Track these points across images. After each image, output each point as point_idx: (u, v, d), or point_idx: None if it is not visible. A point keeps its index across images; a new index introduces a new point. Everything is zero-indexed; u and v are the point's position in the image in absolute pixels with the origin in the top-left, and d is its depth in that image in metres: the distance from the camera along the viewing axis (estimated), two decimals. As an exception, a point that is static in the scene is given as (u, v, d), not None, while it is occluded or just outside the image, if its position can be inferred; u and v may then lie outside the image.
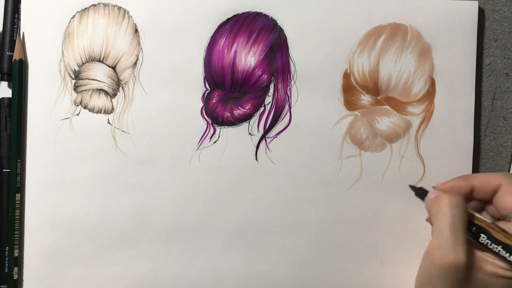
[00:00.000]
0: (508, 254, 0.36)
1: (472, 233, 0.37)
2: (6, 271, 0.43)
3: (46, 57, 0.43)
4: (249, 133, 0.44)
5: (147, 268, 0.44)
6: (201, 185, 0.44)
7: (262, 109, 0.44)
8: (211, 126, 0.44)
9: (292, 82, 0.44)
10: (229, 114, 0.44)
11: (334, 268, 0.44)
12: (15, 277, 0.43)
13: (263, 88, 0.44)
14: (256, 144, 0.44)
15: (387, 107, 0.44)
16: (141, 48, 0.43)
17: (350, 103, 0.44)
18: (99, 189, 0.44)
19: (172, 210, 0.44)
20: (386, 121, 0.44)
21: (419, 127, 0.44)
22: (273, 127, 0.44)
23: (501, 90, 0.46)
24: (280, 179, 0.44)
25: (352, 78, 0.44)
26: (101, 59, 0.43)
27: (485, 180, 0.39)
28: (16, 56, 0.42)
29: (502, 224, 0.38)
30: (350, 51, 0.44)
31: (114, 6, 0.43)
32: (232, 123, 0.44)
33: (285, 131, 0.44)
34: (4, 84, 0.44)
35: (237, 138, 0.44)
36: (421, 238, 0.44)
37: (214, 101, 0.44)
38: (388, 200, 0.44)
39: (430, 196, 0.40)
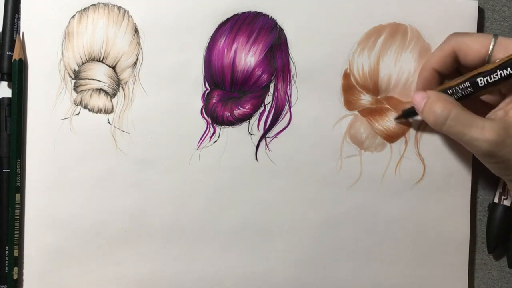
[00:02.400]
0: (508, 69, 0.36)
1: (471, 87, 0.38)
2: (6, 271, 0.43)
3: (46, 57, 0.43)
4: (249, 133, 0.44)
5: (147, 268, 0.44)
6: (201, 185, 0.44)
7: (262, 108, 0.44)
8: (211, 126, 0.44)
9: (292, 82, 0.44)
10: (229, 114, 0.44)
11: (334, 268, 0.44)
12: (15, 277, 0.43)
13: (263, 88, 0.44)
14: (256, 144, 0.44)
15: (387, 106, 0.44)
16: (141, 48, 0.43)
17: (350, 103, 0.44)
18: (99, 189, 0.44)
19: (172, 210, 0.44)
20: (386, 121, 0.44)
21: (419, 126, 0.44)
22: (273, 127, 0.44)
23: (501, 90, 0.46)
24: (280, 179, 0.44)
25: (352, 78, 0.44)
26: (101, 59, 0.43)
27: (439, 57, 0.41)
28: (16, 56, 0.42)
29: None
30: (350, 50, 0.44)
31: (114, 6, 0.43)
32: (232, 123, 0.44)
33: (285, 130, 0.44)
34: (4, 84, 0.44)
35: (237, 138, 0.44)
36: (421, 237, 0.44)
37: (214, 101, 0.44)
38: (388, 200, 0.44)
39: (418, 104, 0.40)
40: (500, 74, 0.37)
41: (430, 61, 0.41)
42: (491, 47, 0.38)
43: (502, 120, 0.37)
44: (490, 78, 0.37)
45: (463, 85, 0.39)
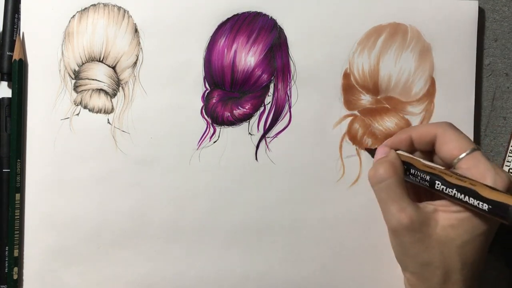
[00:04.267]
0: (463, 195, 0.36)
1: (428, 181, 0.38)
2: (6, 271, 0.43)
3: (46, 57, 0.43)
4: (249, 133, 0.44)
5: (147, 268, 0.44)
6: (201, 185, 0.44)
7: (262, 109, 0.44)
8: (211, 126, 0.44)
9: (292, 82, 0.44)
10: (229, 114, 0.44)
11: (334, 268, 0.44)
12: (15, 277, 0.43)
13: (263, 88, 0.44)
14: (256, 144, 0.44)
15: (387, 106, 0.44)
16: (141, 48, 0.43)
17: (350, 103, 0.44)
18: (99, 189, 0.44)
19: (172, 210, 0.44)
20: (386, 121, 0.44)
21: (419, 127, 0.44)
22: (273, 127, 0.44)
23: (501, 90, 0.46)
24: (280, 179, 0.44)
25: (352, 78, 0.44)
26: (101, 59, 0.43)
27: (422, 131, 0.40)
28: (16, 56, 0.42)
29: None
30: (350, 50, 0.44)
31: (114, 6, 0.43)
32: (232, 123, 0.44)
33: (285, 131, 0.44)
34: (4, 84, 0.44)
35: (237, 138, 0.44)
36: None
37: (214, 101, 0.44)
38: (388, 200, 0.44)
39: (375, 158, 0.41)
40: (454, 194, 0.36)
41: (413, 130, 0.41)
42: (463, 154, 0.37)
43: (425, 214, 0.37)
44: (446, 190, 0.36)
45: (423, 175, 0.38)
